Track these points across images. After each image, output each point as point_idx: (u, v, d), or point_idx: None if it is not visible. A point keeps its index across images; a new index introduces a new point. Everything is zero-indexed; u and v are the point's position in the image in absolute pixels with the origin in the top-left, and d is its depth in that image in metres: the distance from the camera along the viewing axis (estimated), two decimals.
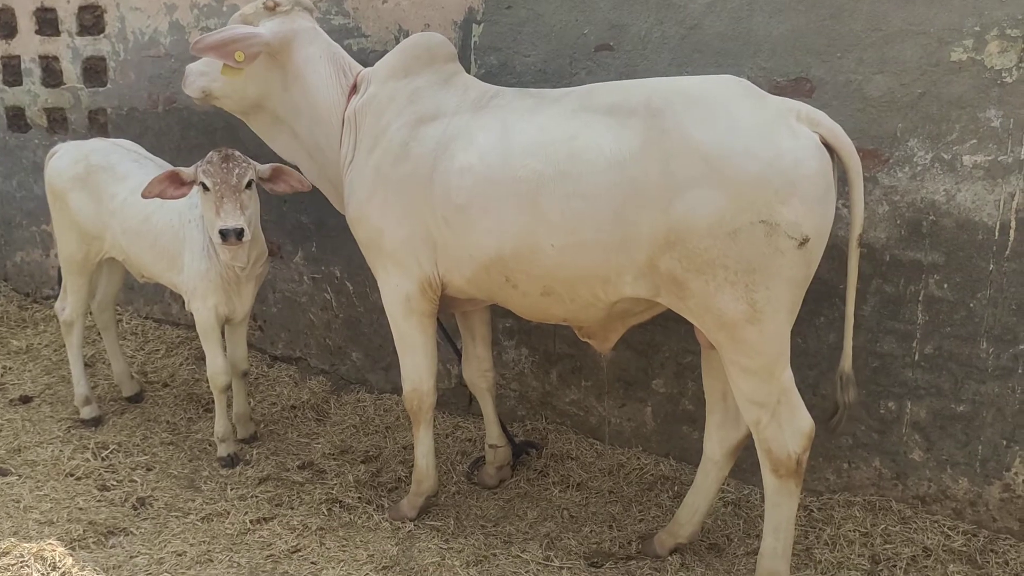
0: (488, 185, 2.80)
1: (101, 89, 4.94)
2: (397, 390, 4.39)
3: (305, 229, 4.46)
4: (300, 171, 3.49)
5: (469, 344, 3.56)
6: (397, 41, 3.86)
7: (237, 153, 3.32)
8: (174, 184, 3.32)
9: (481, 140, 2.86)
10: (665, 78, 2.84)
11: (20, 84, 5.20)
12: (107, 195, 3.78)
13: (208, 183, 3.24)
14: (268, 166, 3.41)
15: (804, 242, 2.49)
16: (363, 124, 3.18)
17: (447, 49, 3.17)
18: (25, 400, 4.33)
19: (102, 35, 4.82)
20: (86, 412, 4.14)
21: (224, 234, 3.18)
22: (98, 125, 5.00)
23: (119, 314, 5.22)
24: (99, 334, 4.49)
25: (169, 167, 3.84)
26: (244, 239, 3.22)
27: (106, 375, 4.54)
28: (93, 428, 4.10)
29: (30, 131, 5.28)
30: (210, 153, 3.31)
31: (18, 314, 5.37)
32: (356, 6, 3.96)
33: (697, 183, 2.51)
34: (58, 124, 5.16)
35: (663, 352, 3.64)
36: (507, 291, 2.92)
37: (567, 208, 2.67)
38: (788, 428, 2.65)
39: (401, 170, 3.02)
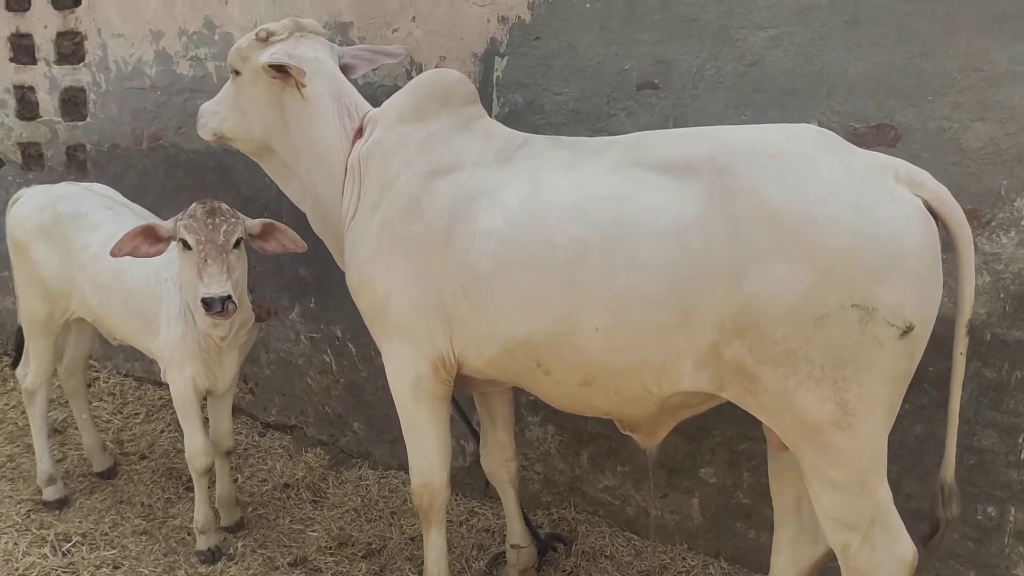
0: (516, 252, 2.40)
1: (80, 123, 4.58)
2: (404, 466, 3.97)
3: (303, 283, 4.06)
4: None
5: (488, 428, 3.14)
6: (409, 76, 3.48)
7: (224, 206, 2.94)
8: (149, 240, 2.94)
9: (507, 198, 2.47)
10: (729, 127, 2.43)
11: None
12: (76, 247, 3.39)
13: (190, 241, 2.86)
14: (258, 222, 3.04)
15: (908, 331, 2.08)
16: (368, 173, 2.80)
17: (466, 88, 2.79)
18: None
19: (82, 64, 4.47)
20: (49, 493, 3.73)
21: (208, 303, 2.79)
22: (76, 162, 4.64)
23: (95, 371, 4.84)
24: (67, 400, 4.08)
25: (148, 216, 3.48)
26: (230, 309, 2.81)
27: (77, 443, 4.14)
28: (57, 511, 3.70)
29: (3, 167, 4.92)
30: (193, 205, 2.93)
31: None
32: (362, 35, 3.59)
33: (774, 256, 2.11)
34: (33, 160, 4.81)
35: (714, 436, 3.21)
36: (538, 378, 2.51)
37: (614, 283, 2.26)
38: (884, 555, 2.22)
39: (411, 229, 2.63)
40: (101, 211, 3.44)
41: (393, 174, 2.71)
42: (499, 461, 3.15)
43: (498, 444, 3.14)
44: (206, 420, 3.46)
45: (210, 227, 2.86)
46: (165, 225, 2.95)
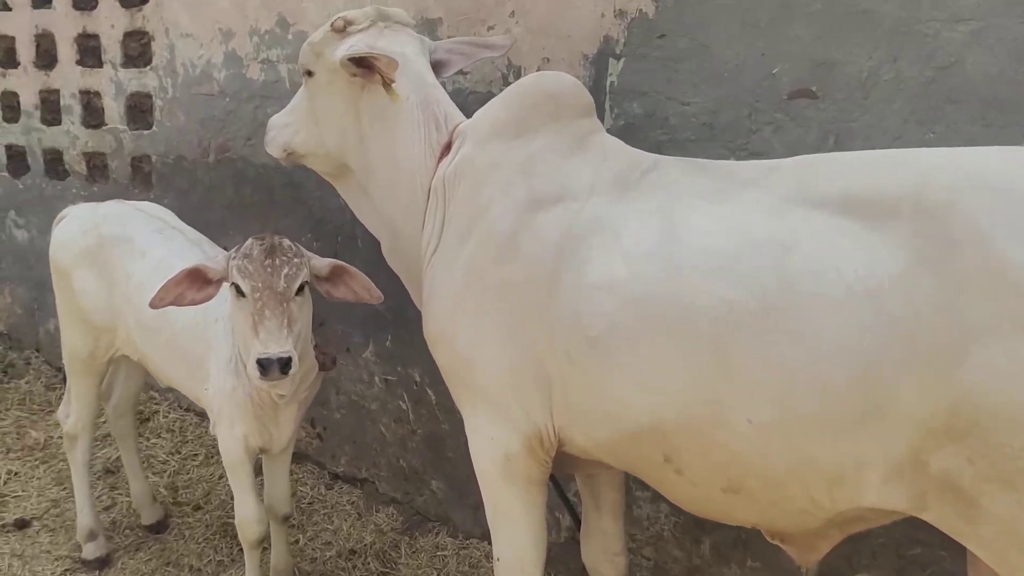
0: (642, 313, 1.86)
1: (146, 132, 4.23)
2: (488, 536, 3.45)
3: (379, 318, 3.59)
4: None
5: (591, 513, 2.59)
6: (507, 82, 2.97)
7: (286, 243, 2.48)
8: (196, 285, 2.51)
9: (631, 240, 1.93)
10: (935, 150, 1.83)
11: (59, 123, 4.56)
12: (121, 275, 3.00)
13: (244, 287, 2.41)
14: (327, 263, 2.56)
15: None
16: (454, 199, 2.30)
17: (580, 97, 2.26)
18: (21, 525, 3.58)
19: (148, 67, 4.12)
20: (89, 550, 3.35)
21: (264, 366, 2.34)
22: (141, 175, 4.30)
23: (156, 403, 4.47)
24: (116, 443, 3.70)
25: (202, 241, 3.06)
26: (291, 372, 2.35)
27: (128, 489, 3.75)
28: (96, 572, 3.30)
29: (68, 178, 4.62)
30: (248, 242, 2.48)
31: (44, 395, 4.70)
32: (452, 33, 3.10)
33: (1011, 334, 1.51)
34: (98, 172, 4.49)
35: (876, 537, 2.58)
36: (665, 475, 1.96)
37: (776, 362, 1.70)
38: None
39: (505, 273, 2.12)
40: (149, 235, 3.03)
41: (485, 203, 2.20)
42: (603, 554, 2.59)
43: (603, 533, 2.59)
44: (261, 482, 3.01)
45: (268, 270, 2.40)
46: (215, 266, 2.51)
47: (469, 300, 2.20)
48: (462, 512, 3.53)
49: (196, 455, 4.12)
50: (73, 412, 3.33)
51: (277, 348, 2.32)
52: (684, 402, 1.81)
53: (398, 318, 3.55)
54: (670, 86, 2.73)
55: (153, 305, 2.45)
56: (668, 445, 1.88)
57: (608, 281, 1.93)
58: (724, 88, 2.63)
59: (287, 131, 2.69)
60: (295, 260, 2.45)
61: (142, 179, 4.30)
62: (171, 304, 2.47)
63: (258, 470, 3.02)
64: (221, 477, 3.94)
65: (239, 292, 2.42)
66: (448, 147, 2.39)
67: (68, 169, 4.61)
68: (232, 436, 2.75)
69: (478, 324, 2.18)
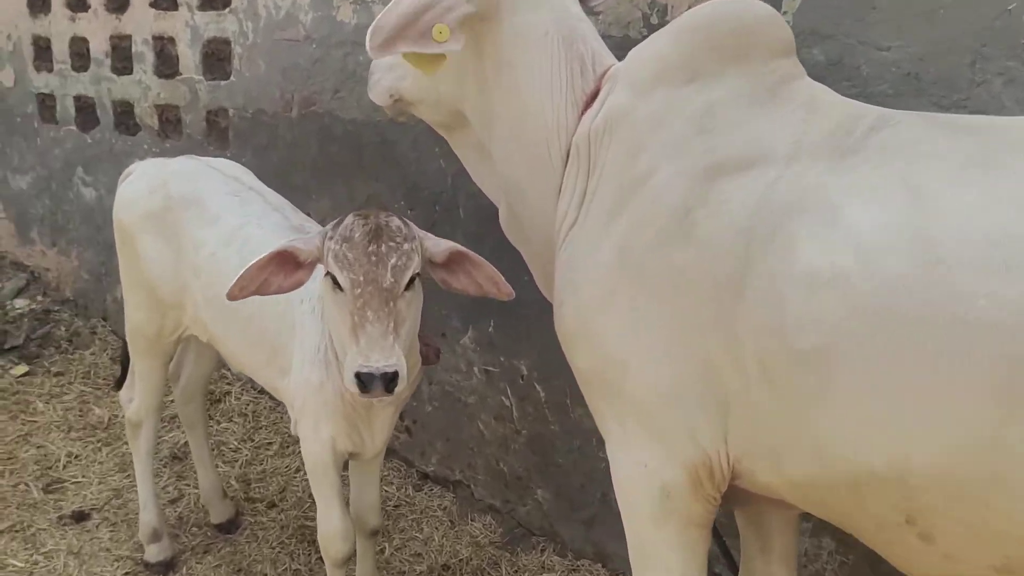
0: (885, 321, 1.39)
1: (223, 82, 3.85)
2: (603, 557, 3.03)
3: (481, 300, 3.14)
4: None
5: (755, 560, 2.12)
6: (647, 22, 2.50)
7: (395, 222, 2.04)
8: (284, 269, 2.08)
9: (861, 221, 1.46)
10: None
11: (130, 72, 4.22)
12: (190, 243, 2.62)
13: (342, 280, 1.98)
14: (444, 247, 2.11)
15: None
16: (602, 162, 1.85)
17: (776, 32, 1.78)
18: (80, 517, 3.27)
19: (227, 9, 3.73)
20: (152, 552, 3.02)
21: (364, 382, 1.91)
22: (217, 130, 3.93)
23: (227, 384, 4.14)
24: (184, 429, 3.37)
25: (284, 206, 2.66)
26: (397, 390, 1.95)
27: (196, 479, 3.41)
28: None
29: (139, 133, 4.29)
30: (348, 220, 2.04)
31: (109, 369, 4.40)
32: None
33: None
34: (170, 126, 4.14)
35: None
36: (900, 537, 1.49)
37: None
38: None
39: (673, 260, 1.66)
40: (223, 197, 2.64)
41: (645, 168, 1.74)
42: None
43: None
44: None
45: (372, 260, 1.96)
46: (306, 247, 2.07)
47: (623, 291, 1.74)
48: (572, 527, 3.10)
49: (270, 443, 3.78)
50: (137, 396, 2.99)
51: (382, 360, 1.89)
52: (946, 448, 1.33)
53: (504, 301, 3.11)
54: (862, 27, 2.21)
55: (232, 296, 2.03)
56: (913, 503, 1.40)
57: (830, 276, 1.45)
58: (937, 29, 2.11)
59: (393, 74, 2.25)
60: (405, 246, 2.00)
61: (218, 135, 3.94)
62: (254, 294, 2.06)
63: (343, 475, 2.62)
64: (298, 470, 3.59)
65: (335, 284, 2.00)
66: (595, 95, 1.92)
67: (139, 123, 4.27)
68: (317, 438, 2.36)
69: (634, 322, 1.73)
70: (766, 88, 1.71)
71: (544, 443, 3.12)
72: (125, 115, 4.35)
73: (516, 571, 3.05)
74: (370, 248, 1.95)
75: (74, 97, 4.56)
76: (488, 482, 3.32)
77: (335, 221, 2.06)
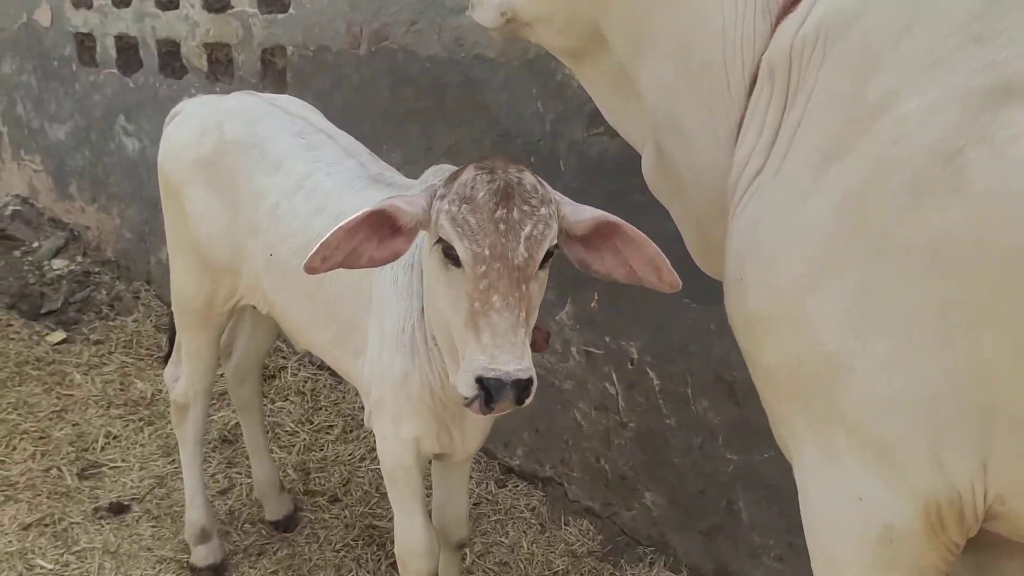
0: None
1: (280, 16, 3.41)
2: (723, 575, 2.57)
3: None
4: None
5: None
6: None
7: (528, 179, 1.56)
8: (377, 236, 1.62)
9: None
10: None
11: (176, 7, 3.79)
12: (248, 195, 2.19)
13: (463, 252, 1.52)
14: (589, 216, 1.62)
15: None
16: (808, 87, 1.38)
17: None
18: (118, 510, 2.89)
19: None
20: (199, 555, 2.64)
21: (492, 390, 1.45)
22: (273, 72, 3.50)
23: (283, 357, 3.73)
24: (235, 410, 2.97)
25: (361, 153, 2.22)
26: (528, 400, 1.49)
27: (249, 467, 3.01)
28: None
29: (185, 76, 3.87)
30: (467, 174, 1.57)
31: (153, 337, 4.03)
32: None
33: None
34: (220, 67, 3.72)
35: None
36: None
37: None
38: None
39: (933, 219, 1.21)
40: (287, 140, 2.20)
41: (883, 93, 1.27)
42: None
43: None
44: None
45: (502, 228, 1.49)
46: (410, 208, 1.61)
47: (847, 263, 1.27)
48: (686, 539, 2.65)
49: (331, 427, 3.37)
50: (184, 375, 2.59)
51: (512, 363, 1.44)
52: None
53: None
54: None
55: (311, 268, 1.58)
56: None
57: None
58: None
59: None
60: (542, 211, 1.53)
61: (274, 76, 3.50)
62: (340, 266, 1.61)
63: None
64: (363, 459, 3.18)
65: (448, 257, 1.55)
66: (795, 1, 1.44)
67: (186, 64, 3.85)
68: (397, 437, 1.93)
69: (864, 306, 1.26)
70: None
71: (656, 439, 2.66)
72: (170, 56, 3.92)
73: None
74: (498, 212, 1.49)
75: (115, 36, 4.15)
76: (585, 481, 2.88)
77: (447, 175, 1.60)
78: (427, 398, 1.86)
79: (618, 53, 1.67)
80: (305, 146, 2.18)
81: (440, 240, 1.54)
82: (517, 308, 1.47)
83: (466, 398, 1.47)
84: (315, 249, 1.56)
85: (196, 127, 2.31)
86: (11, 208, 5.15)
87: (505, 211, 1.49)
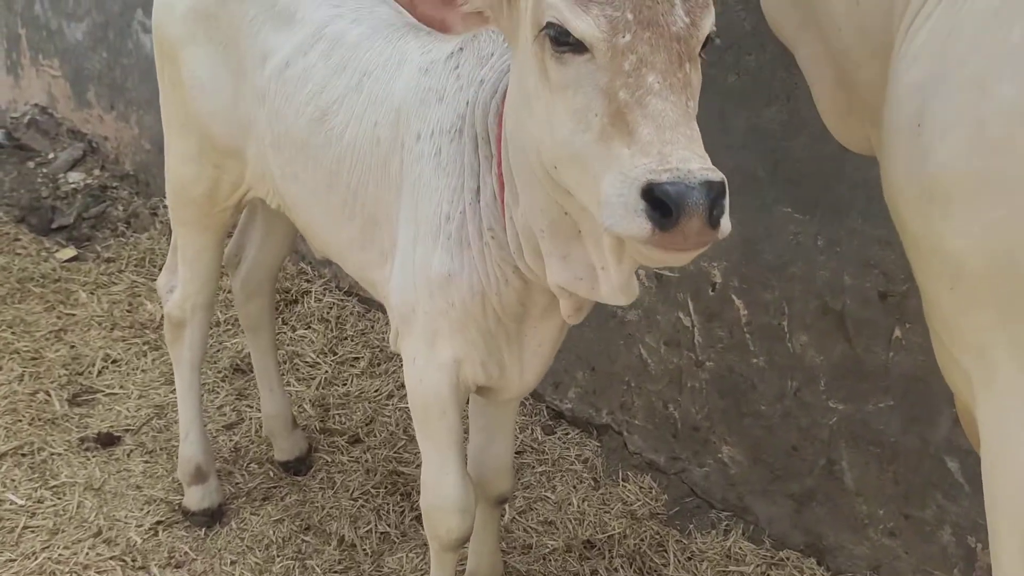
0: None
1: None
2: (820, 552, 2.15)
3: None
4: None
5: None
6: None
7: None
8: None
9: None
10: None
11: None
12: (254, 52, 1.79)
13: (591, 23, 1.09)
14: None
15: None
16: None
17: None
18: (107, 441, 2.53)
19: None
20: (193, 496, 2.28)
21: (676, 197, 1.00)
22: None
23: (306, 279, 3.34)
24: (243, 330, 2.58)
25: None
26: (722, 221, 1.04)
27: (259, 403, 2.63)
28: (201, 530, 2.23)
29: None
30: None
31: (167, 253, 3.63)
32: None
33: None
34: None
35: None
36: None
37: None
38: None
39: None
40: None
41: None
42: None
43: None
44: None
45: None
46: None
47: None
48: (772, 504, 2.22)
49: (357, 359, 2.97)
50: (180, 284, 2.21)
51: (696, 160, 1.02)
52: None
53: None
54: None
55: None
56: None
57: None
58: None
59: None
60: None
61: None
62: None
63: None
64: (391, 396, 2.79)
65: (562, 47, 1.11)
66: None
67: None
68: (432, 360, 1.51)
69: None
70: None
71: (739, 382, 2.22)
72: None
73: (689, 558, 2.21)
74: None
75: None
76: (649, 431, 2.45)
77: None
78: (476, 310, 1.45)
79: None
80: None
81: (547, 26, 1.11)
82: (683, 93, 1.07)
83: (653, 239, 1.03)
84: None
85: None
86: (28, 117, 4.81)
87: None
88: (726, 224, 1.04)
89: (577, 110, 1.11)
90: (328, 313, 3.18)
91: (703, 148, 1.05)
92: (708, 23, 1.12)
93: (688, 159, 1.01)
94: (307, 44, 1.69)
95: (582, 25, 1.08)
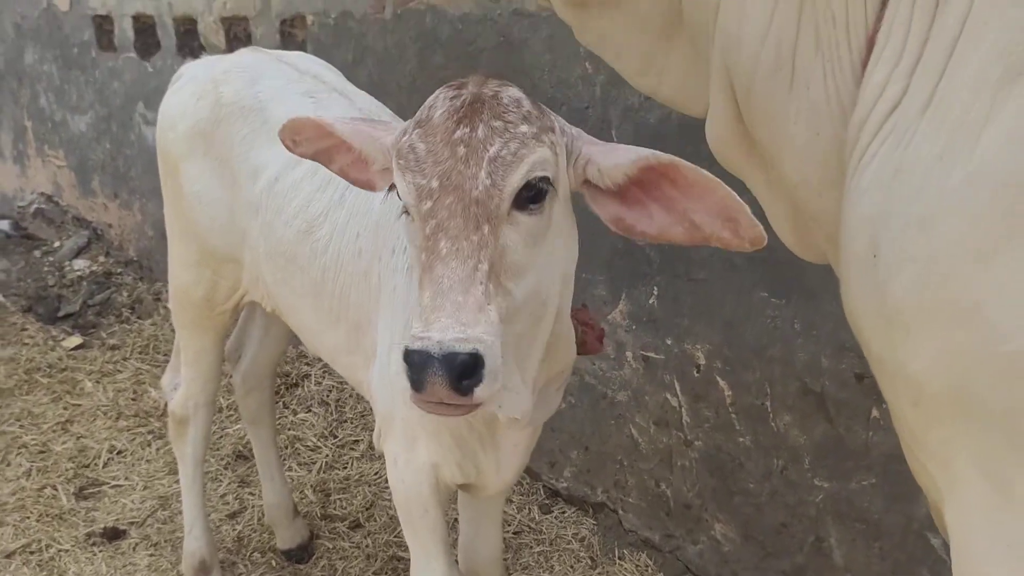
0: None
1: None
2: None
3: (637, 255, 2.33)
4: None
5: None
6: None
7: (508, 95, 1.21)
8: (353, 154, 1.32)
9: None
10: None
11: None
12: (246, 168, 1.87)
13: (404, 189, 1.19)
14: (625, 158, 1.24)
15: None
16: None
17: None
18: (114, 535, 2.57)
19: None
20: None
21: (413, 367, 1.07)
22: (293, 44, 3.21)
23: (306, 364, 3.40)
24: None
25: (381, 112, 1.87)
26: (481, 391, 1.08)
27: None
28: None
29: (204, 55, 3.54)
30: (437, 94, 1.24)
31: (171, 342, 3.67)
32: None
33: None
34: (239, 42, 3.43)
35: None
36: None
37: None
38: None
39: None
40: (292, 100, 1.87)
41: None
42: None
43: None
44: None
45: (460, 151, 1.15)
46: (384, 136, 1.29)
47: None
48: None
49: (356, 442, 3.02)
50: (183, 383, 2.26)
51: (448, 330, 1.07)
52: None
53: (668, 256, 2.27)
54: None
55: (282, 136, 1.34)
56: None
57: None
58: None
59: None
60: (521, 129, 1.17)
61: (294, 49, 3.16)
62: (312, 159, 1.36)
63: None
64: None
65: (404, 206, 1.21)
66: None
67: (203, 42, 3.57)
68: (410, 463, 1.57)
69: None
70: None
71: (727, 461, 2.26)
72: (188, 35, 3.64)
73: None
74: (458, 133, 1.15)
75: (132, 17, 3.89)
76: (643, 509, 2.48)
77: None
78: (447, 419, 1.48)
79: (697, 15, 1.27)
80: (313, 106, 1.85)
81: (390, 188, 1.23)
82: (473, 257, 1.11)
83: (411, 392, 1.10)
84: (285, 123, 1.34)
85: (192, 91, 2.01)
86: (35, 207, 4.92)
87: (468, 130, 1.15)
88: (482, 392, 1.07)
89: (413, 259, 1.21)
90: (328, 396, 3.24)
91: (475, 313, 1.09)
92: (516, 179, 1.15)
93: (446, 328, 1.06)
94: (294, 160, 1.77)
95: (401, 192, 1.18)
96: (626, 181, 1.25)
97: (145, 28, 3.85)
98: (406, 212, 1.19)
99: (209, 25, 3.47)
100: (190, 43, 3.64)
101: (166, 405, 3.26)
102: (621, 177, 1.24)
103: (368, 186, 1.33)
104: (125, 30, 3.95)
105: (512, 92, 1.22)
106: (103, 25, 4.13)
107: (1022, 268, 0.89)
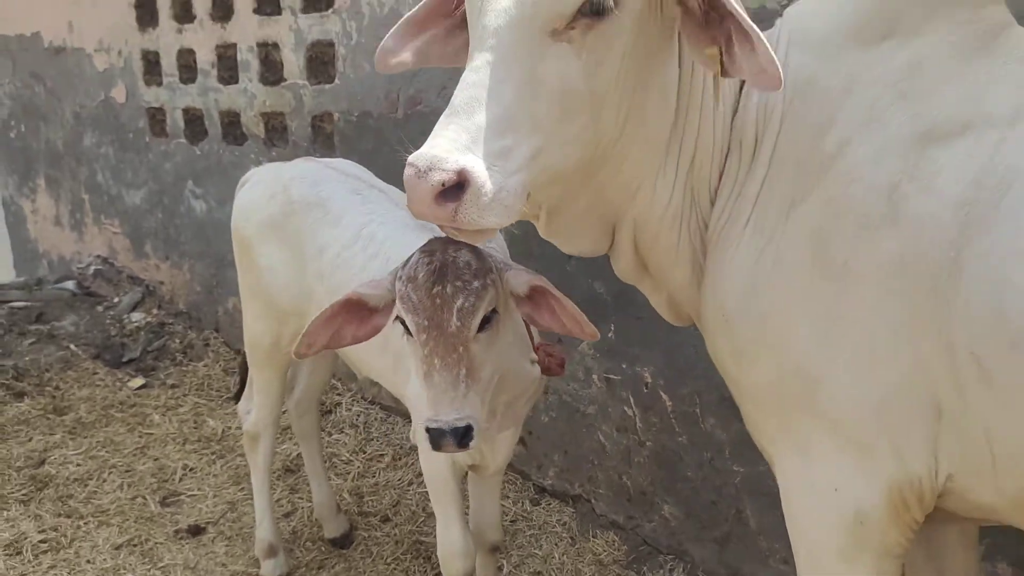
0: None
1: (327, 86, 3.75)
2: None
3: (599, 301, 2.95)
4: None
5: None
6: None
7: (464, 258, 1.79)
8: (357, 318, 1.91)
9: None
10: None
11: (236, 82, 4.15)
12: (313, 248, 2.50)
13: (409, 324, 1.80)
14: (524, 281, 1.87)
15: None
16: (771, 141, 1.60)
17: None
18: (195, 531, 3.18)
19: (330, 10, 3.64)
20: (268, 569, 2.93)
21: (434, 438, 1.73)
22: (323, 136, 3.83)
23: (338, 394, 4.01)
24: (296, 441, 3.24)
25: (403, 198, 2.47)
26: (472, 443, 1.76)
27: (310, 492, 3.27)
28: None
29: (246, 143, 4.22)
30: (414, 257, 1.81)
31: (222, 380, 4.35)
32: None
33: None
34: (276, 134, 4.07)
35: None
36: None
37: None
38: None
39: (879, 245, 1.47)
40: (345, 197, 2.52)
41: (837, 142, 1.52)
42: None
43: None
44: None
45: (438, 302, 1.75)
46: (376, 291, 1.90)
47: (817, 289, 1.51)
48: (702, 546, 2.85)
49: (382, 455, 3.64)
50: (256, 408, 2.89)
51: (452, 414, 1.71)
52: None
53: (623, 303, 2.89)
54: None
55: (299, 354, 1.91)
56: None
57: None
58: None
59: (516, 157, 1.42)
60: (474, 285, 1.77)
61: (323, 140, 3.84)
62: (327, 347, 1.93)
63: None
64: (411, 483, 3.45)
65: (405, 328, 1.83)
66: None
67: (246, 132, 4.21)
68: (435, 453, 2.17)
69: (832, 325, 1.50)
70: (976, 40, 1.45)
71: (670, 456, 2.88)
72: (232, 125, 4.29)
73: None
74: (434, 290, 1.75)
75: (183, 109, 4.55)
76: (610, 497, 3.10)
77: (408, 258, 1.86)
78: None
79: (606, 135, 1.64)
80: (360, 201, 2.49)
81: (398, 318, 1.82)
82: (457, 368, 1.72)
83: (431, 448, 1.74)
84: (300, 338, 1.88)
85: (265, 191, 2.64)
86: (93, 268, 5.55)
87: (440, 288, 1.74)
88: (474, 443, 1.72)
89: (414, 362, 1.81)
90: (357, 419, 3.86)
91: (464, 402, 1.71)
92: (476, 321, 1.73)
93: (449, 413, 1.69)
94: (351, 240, 2.39)
95: (407, 324, 1.77)
96: (528, 293, 1.88)
97: (194, 119, 4.52)
98: (409, 334, 1.80)
99: (250, 118, 4.14)
100: (233, 132, 4.30)
101: (223, 431, 3.89)
102: (523, 291, 1.87)
103: (374, 332, 1.91)
104: (176, 120, 4.61)
105: (464, 255, 1.79)
106: (156, 116, 4.79)
107: (813, 322, 1.50)
